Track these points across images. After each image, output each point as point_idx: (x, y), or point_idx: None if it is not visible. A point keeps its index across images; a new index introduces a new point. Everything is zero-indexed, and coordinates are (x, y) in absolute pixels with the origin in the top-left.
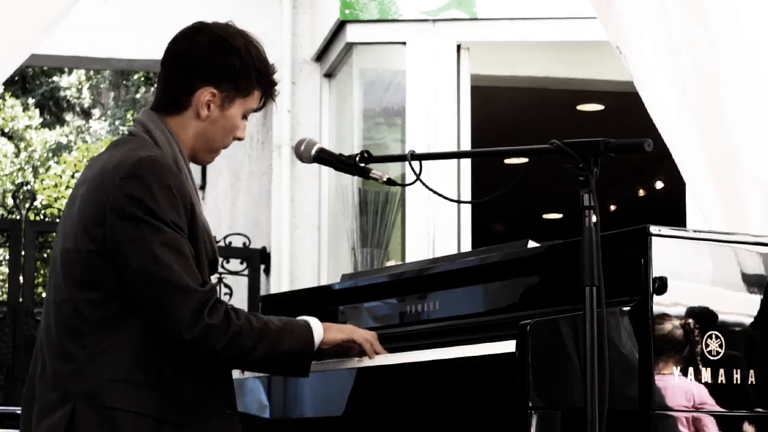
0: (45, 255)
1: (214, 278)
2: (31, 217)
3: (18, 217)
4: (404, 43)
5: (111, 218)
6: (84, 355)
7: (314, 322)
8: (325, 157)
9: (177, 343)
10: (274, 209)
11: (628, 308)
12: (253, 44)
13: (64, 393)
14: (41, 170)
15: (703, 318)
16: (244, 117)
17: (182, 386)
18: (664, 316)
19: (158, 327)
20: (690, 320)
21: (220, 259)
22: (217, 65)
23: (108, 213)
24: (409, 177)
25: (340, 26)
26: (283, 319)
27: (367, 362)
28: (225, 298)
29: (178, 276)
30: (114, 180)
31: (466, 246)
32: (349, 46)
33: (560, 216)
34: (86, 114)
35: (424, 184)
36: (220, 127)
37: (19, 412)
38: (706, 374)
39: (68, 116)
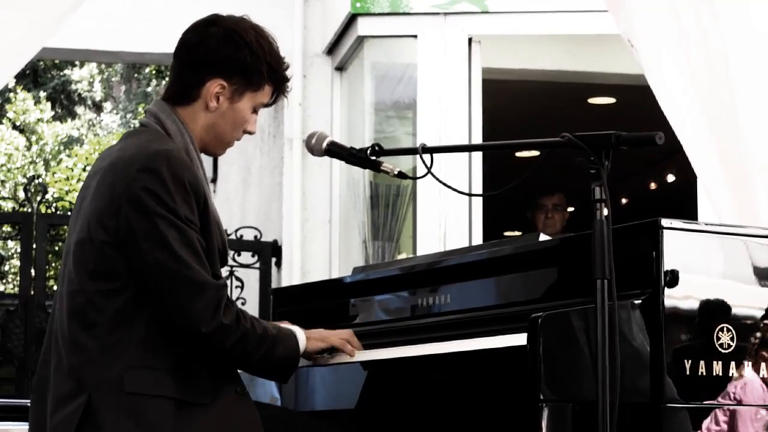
0: (56, 248)
1: (225, 271)
2: (43, 210)
3: (29, 210)
4: (415, 37)
5: (126, 210)
6: (97, 346)
7: (299, 333)
8: (336, 151)
9: (193, 336)
10: (286, 202)
11: (640, 301)
12: (265, 39)
13: (78, 383)
14: (53, 163)
15: (714, 311)
16: (255, 111)
17: (196, 369)
18: (676, 309)
19: (174, 321)
20: (701, 313)
21: (232, 252)
22: (228, 58)
23: (123, 205)
24: (421, 170)
25: (351, 19)
26: (276, 325)
27: (378, 355)
28: (236, 291)
29: (195, 272)
30: (130, 172)
31: (477, 239)
32: (361, 40)
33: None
34: (98, 107)
35: (435, 177)
36: (230, 120)
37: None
38: (718, 367)
39: (80, 109)
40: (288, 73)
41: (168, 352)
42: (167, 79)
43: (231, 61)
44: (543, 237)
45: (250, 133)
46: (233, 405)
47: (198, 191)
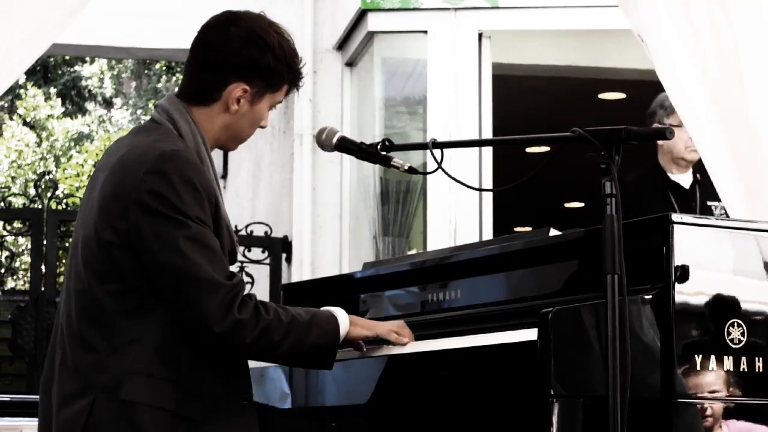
0: (67, 244)
1: (235, 267)
2: (53, 206)
3: (40, 207)
4: (425, 32)
5: (135, 213)
6: (106, 347)
7: (341, 315)
8: (346, 146)
9: (207, 337)
10: (296, 198)
11: (650, 296)
12: (285, 39)
13: (84, 384)
14: (63, 159)
15: (724, 306)
16: (271, 108)
17: (200, 380)
18: (686, 305)
19: (187, 322)
20: (712, 308)
21: (242, 248)
22: (252, 62)
23: (131, 207)
24: (431, 165)
25: (361, 15)
26: (311, 311)
27: (387, 350)
28: (246, 288)
29: (204, 271)
30: (137, 173)
31: (488, 234)
32: (371, 35)
33: (582, 205)
34: (108, 103)
35: (445, 172)
36: (248, 121)
37: None
38: (728, 362)
39: (90, 105)
40: (303, 67)
41: (176, 359)
42: (179, 75)
43: (255, 65)
44: (553, 232)
45: (263, 127)
46: (233, 422)
47: (208, 190)
